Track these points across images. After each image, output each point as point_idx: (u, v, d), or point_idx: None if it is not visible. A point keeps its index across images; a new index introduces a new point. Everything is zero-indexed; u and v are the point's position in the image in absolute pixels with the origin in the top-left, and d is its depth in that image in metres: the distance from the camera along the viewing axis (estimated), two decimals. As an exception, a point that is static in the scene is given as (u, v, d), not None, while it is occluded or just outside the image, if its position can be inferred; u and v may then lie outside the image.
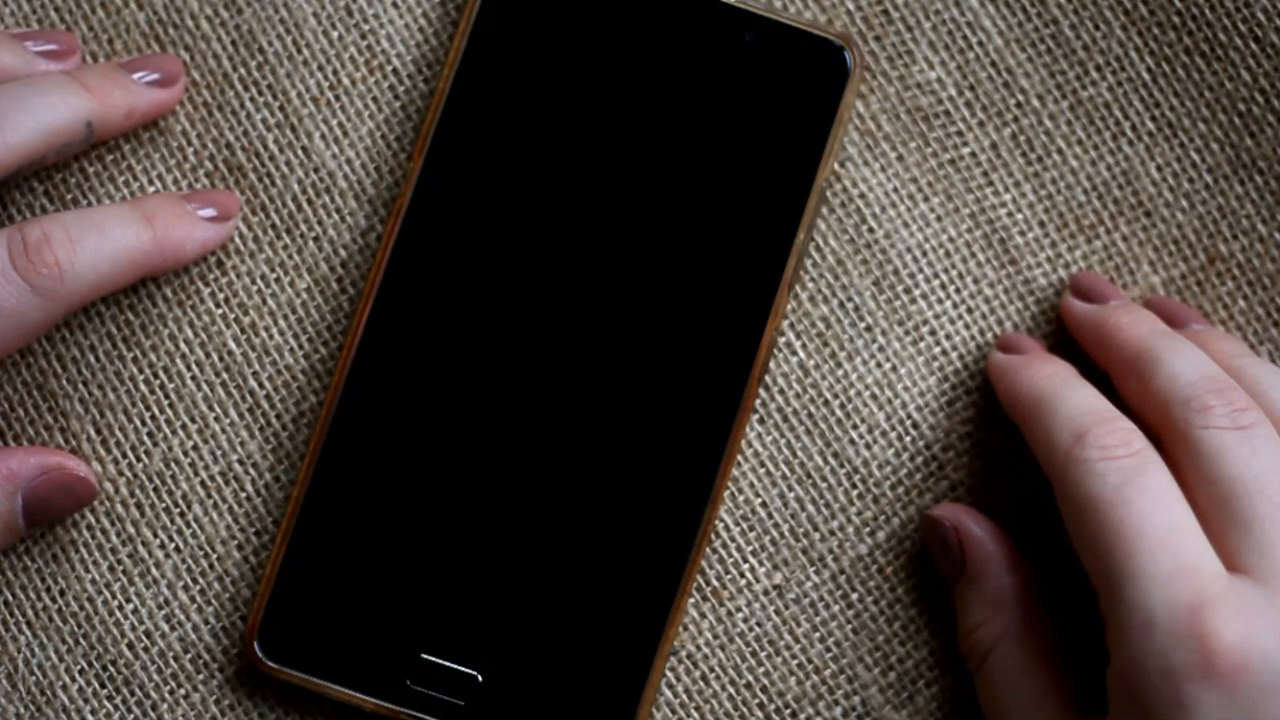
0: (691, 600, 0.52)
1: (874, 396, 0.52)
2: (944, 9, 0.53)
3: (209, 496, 0.52)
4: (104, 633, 0.51)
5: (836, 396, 0.52)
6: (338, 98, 0.53)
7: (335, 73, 0.53)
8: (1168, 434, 0.47)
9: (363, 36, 0.53)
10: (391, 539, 0.50)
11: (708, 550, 0.52)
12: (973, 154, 0.53)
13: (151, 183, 0.52)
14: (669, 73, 0.51)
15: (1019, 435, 0.50)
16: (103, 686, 0.51)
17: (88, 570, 0.52)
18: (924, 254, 0.53)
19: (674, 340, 0.50)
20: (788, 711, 0.51)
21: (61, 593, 0.52)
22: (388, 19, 0.53)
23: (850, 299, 0.52)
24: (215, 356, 0.52)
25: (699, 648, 0.52)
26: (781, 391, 0.52)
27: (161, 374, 0.52)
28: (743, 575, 0.52)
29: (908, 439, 0.52)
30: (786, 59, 0.51)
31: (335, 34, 0.53)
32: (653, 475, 0.50)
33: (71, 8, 0.53)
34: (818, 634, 0.52)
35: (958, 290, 0.53)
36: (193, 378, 0.52)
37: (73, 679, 0.51)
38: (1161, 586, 0.44)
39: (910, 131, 0.53)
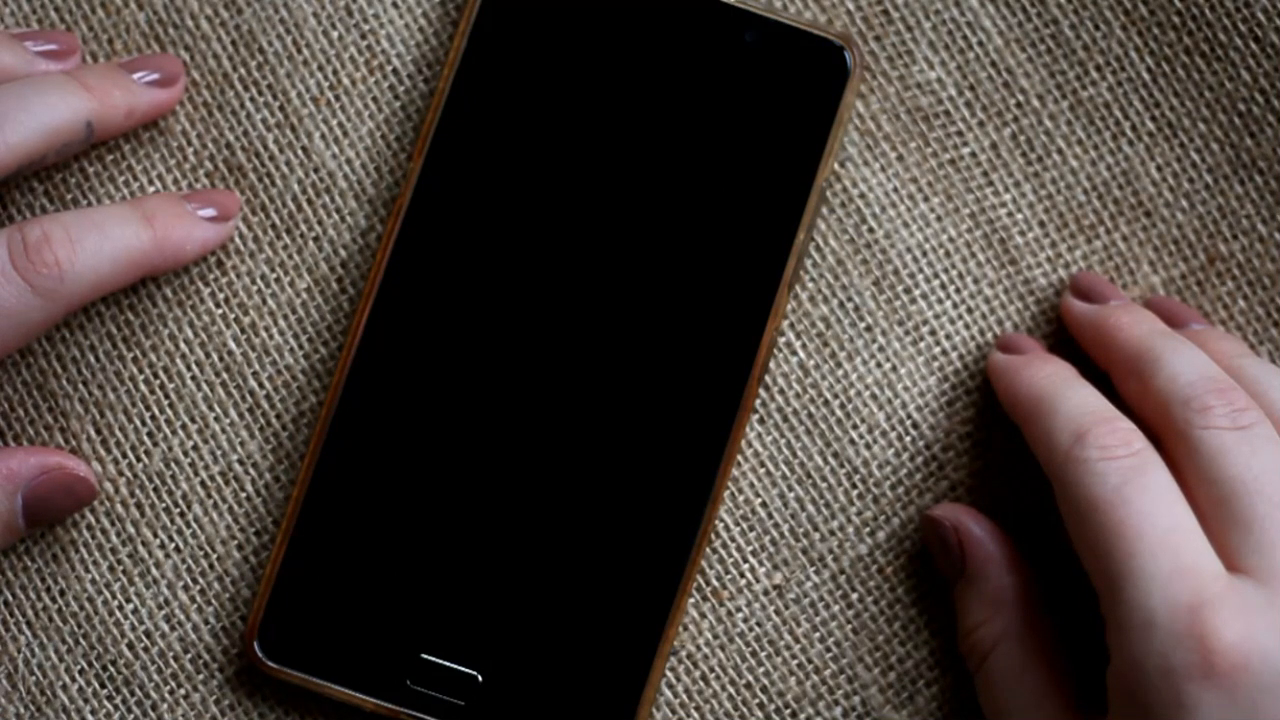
0: (691, 600, 0.52)
1: (874, 396, 0.52)
2: (944, 9, 0.53)
3: (209, 496, 0.52)
4: (104, 633, 0.51)
5: (836, 396, 0.52)
6: (338, 98, 0.53)
7: (335, 73, 0.53)
8: (1168, 434, 0.47)
9: (363, 36, 0.53)
10: (391, 539, 0.50)
11: (708, 550, 0.52)
12: (973, 154, 0.53)
13: (151, 183, 0.52)
14: (669, 73, 0.51)
15: (1019, 435, 0.50)
16: (103, 686, 0.51)
17: (88, 570, 0.52)
18: (924, 254, 0.53)
19: (674, 340, 0.50)
20: (788, 711, 0.51)
21: (61, 593, 0.52)
22: (388, 19, 0.53)
23: (850, 299, 0.52)
24: (215, 356, 0.52)
25: (699, 648, 0.52)
26: (781, 391, 0.52)
27: (161, 374, 0.52)
28: (743, 575, 0.52)
29: (908, 439, 0.52)
30: (786, 59, 0.51)
31: (335, 34, 0.53)
32: (653, 475, 0.50)
33: (71, 8, 0.53)
34: (818, 634, 0.52)
35: (958, 290, 0.53)
36: (193, 378, 0.52)
37: (73, 679, 0.51)
38: (1161, 586, 0.44)
39: (910, 131, 0.53)
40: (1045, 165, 0.53)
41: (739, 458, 0.52)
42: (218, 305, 0.52)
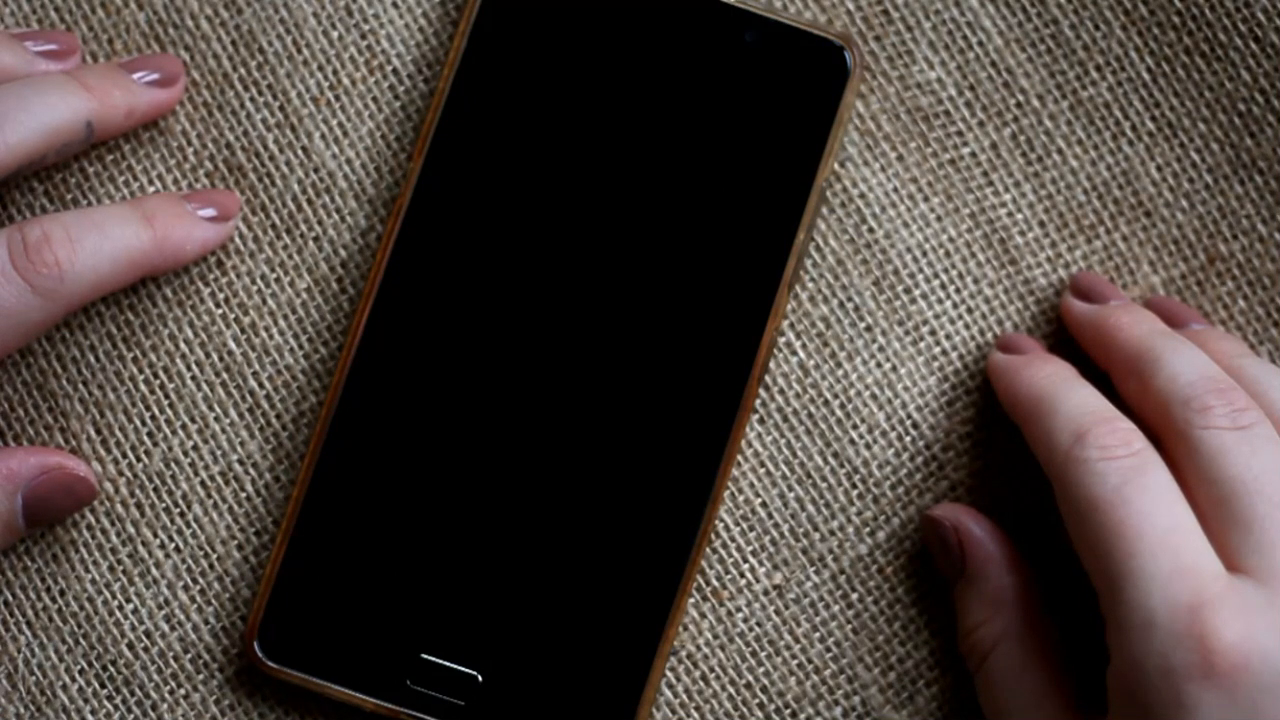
0: (691, 600, 0.52)
1: (874, 396, 0.52)
2: (944, 9, 0.53)
3: (209, 496, 0.52)
4: (104, 633, 0.51)
5: (836, 396, 0.52)
6: (338, 98, 0.53)
7: (335, 73, 0.53)
8: (1168, 434, 0.47)
9: (363, 36, 0.53)
10: (391, 539, 0.50)
11: (708, 550, 0.52)
12: (973, 154, 0.53)
13: (151, 183, 0.52)
14: (669, 73, 0.51)
15: (1019, 435, 0.50)
16: (103, 686, 0.51)
17: (88, 570, 0.52)
18: (924, 254, 0.53)
19: (674, 340, 0.50)
20: (788, 711, 0.51)
21: (61, 593, 0.52)
22: (388, 19, 0.53)
23: (850, 299, 0.52)
24: (215, 356, 0.52)
25: (699, 648, 0.52)
26: (781, 391, 0.52)
27: (161, 374, 0.52)
28: (743, 575, 0.52)
29: (908, 439, 0.52)
30: (786, 59, 0.51)
31: (335, 34, 0.53)
32: (653, 475, 0.50)
33: (71, 8, 0.53)
34: (818, 634, 0.52)
35: (958, 290, 0.53)
36: (193, 378, 0.52)
37: (73, 679, 0.51)
38: (1161, 586, 0.44)
39: (910, 131, 0.53)
40: (1045, 165, 0.53)
41: (739, 458, 0.52)
42: (218, 305, 0.52)
